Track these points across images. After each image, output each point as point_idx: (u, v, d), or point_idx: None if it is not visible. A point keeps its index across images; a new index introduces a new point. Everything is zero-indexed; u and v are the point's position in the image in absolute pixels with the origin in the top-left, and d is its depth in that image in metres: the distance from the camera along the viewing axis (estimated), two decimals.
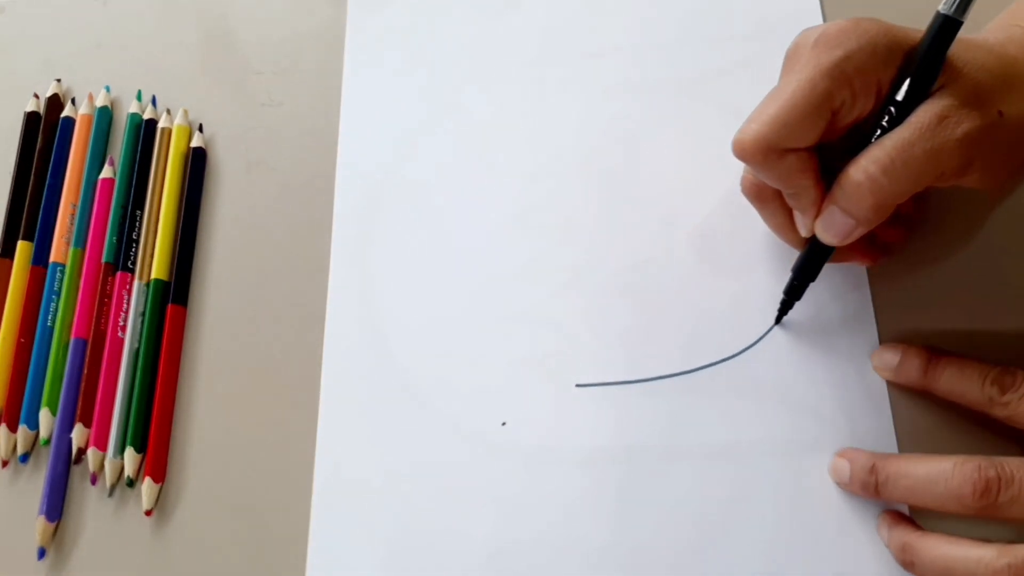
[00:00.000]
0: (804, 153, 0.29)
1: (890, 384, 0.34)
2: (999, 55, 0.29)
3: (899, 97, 0.28)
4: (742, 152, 0.29)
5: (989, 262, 0.35)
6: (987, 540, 0.28)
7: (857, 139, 0.29)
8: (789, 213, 0.33)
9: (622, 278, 0.37)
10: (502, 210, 0.39)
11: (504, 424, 0.36)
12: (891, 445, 0.33)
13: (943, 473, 0.29)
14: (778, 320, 0.35)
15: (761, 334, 0.35)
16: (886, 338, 0.34)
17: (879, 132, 0.29)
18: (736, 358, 0.35)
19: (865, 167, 0.28)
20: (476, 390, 0.36)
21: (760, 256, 0.37)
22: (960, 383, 0.31)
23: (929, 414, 0.33)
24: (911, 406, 0.33)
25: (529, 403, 0.36)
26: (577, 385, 0.36)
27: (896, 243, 0.35)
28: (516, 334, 0.37)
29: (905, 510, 0.32)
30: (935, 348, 0.33)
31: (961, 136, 0.27)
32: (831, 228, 0.30)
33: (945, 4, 0.28)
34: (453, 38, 0.43)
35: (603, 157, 0.39)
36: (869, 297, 0.35)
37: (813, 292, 0.35)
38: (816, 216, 0.30)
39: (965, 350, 0.32)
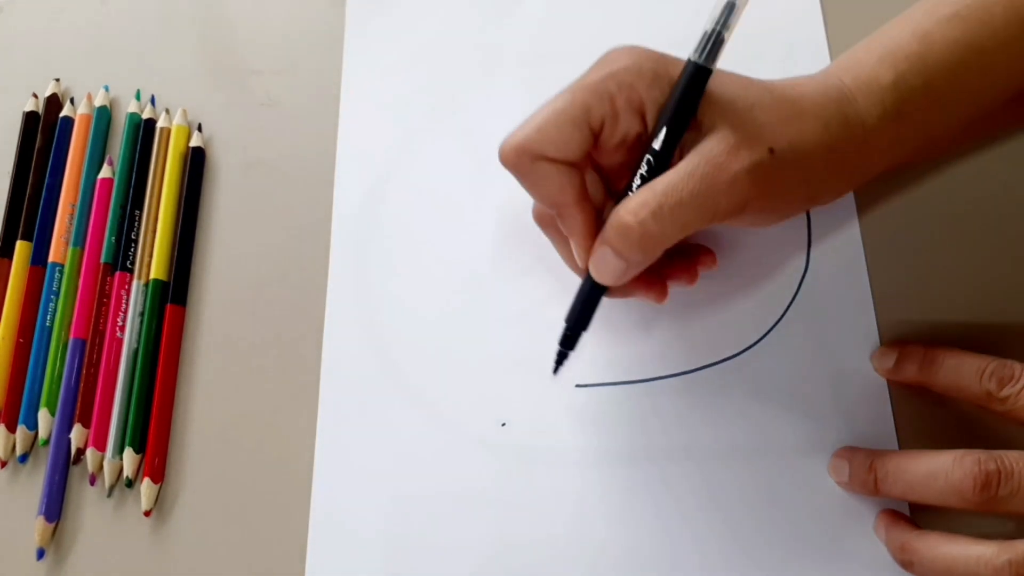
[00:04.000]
0: (563, 167, 0.29)
1: (890, 383, 0.34)
2: (780, 93, 0.29)
3: (656, 146, 0.29)
4: (502, 156, 0.30)
5: (989, 261, 0.35)
6: (986, 537, 0.28)
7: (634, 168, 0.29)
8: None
9: None
10: (502, 209, 0.39)
11: (504, 425, 0.36)
12: (892, 445, 0.33)
13: (943, 467, 0.29)
14: (555, 370, 0.33)
15: (761, 334, 0.35)
16: (886, 337, 0.34)
17: (641, 174, 0.29)
18: (736, 358, 0.35)
19: (635, 210, 0.28)
20: (476, 391, 0.36)
21: (760, 255, 0.37)
22: (958, 377, 0.31)
23: (930, 414, 0.33)
24: (912, 405, 0.33)
25: (529, 404, 0.36)
26: (577, 385, 0.36)
27: (686, 284, 0.33)
28: (516, 334, 0.37)
29: (904, 509, 0.32)
30: (932, 344, 0.33)
31: (729, 179, 0.27)
32: (603, 267, 0.30)
33: (695, 53, 0.28)
34: (452, 38, 0.43)
35: None
36: (869, 296, 0.35)
37: (813, 292, 0.35)
38: (587, 250, 0.30)
39: (968, 348, 0.32)
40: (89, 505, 0.37)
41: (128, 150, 0.43)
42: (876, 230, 0.36)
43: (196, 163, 0.42)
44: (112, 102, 0.45)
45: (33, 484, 0.38)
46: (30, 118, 0.44)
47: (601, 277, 0.30)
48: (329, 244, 0.40)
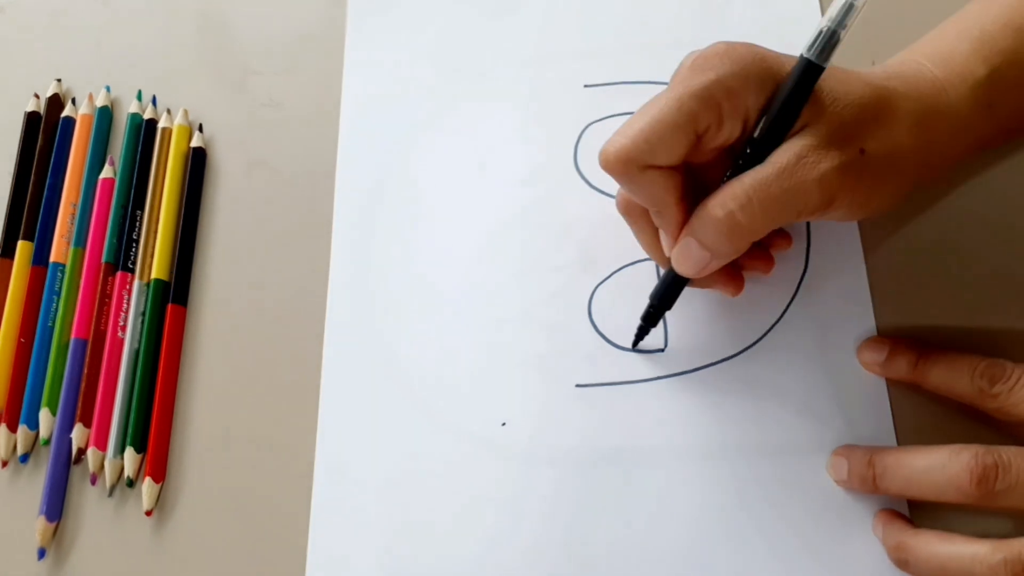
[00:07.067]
0: (667, 171, 0.29)
1: (889, 382, 0.34)
2: (876, 88, 0.30)
3: (756, 135, 0.29)
4: (605, 164, 0.29)
5: (989, 262, 0.35)
6: (983, 537, 0.28)
7: (726, 166, 0.29)
8: (657, 233, 0.33)
9: (621, 278, 0.37)
10: (502, 209, 0.39)
11: (504, 424, 0.36)
12: (891, 444, 0.33)
13: (940, 461, 0.29)
14: (634, 346, 0.35)
15: (761, 334, 0.35)
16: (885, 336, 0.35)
17: (737, 167, 0.29)
18: (736, 358, 0.35)
19: (723, 202, 0.28)
20: (476, 390, 0.36)
21: None
22: (950, 376, 0.31)
23: (929, 413, 0.33)
24: (911, 405, 0.34)
25: (529, 403, 0.36)
26: (577, 385, 0.36)
27: (761, 273, 0.34)
28: (516, 334, 0.37)
29: (904, 509, 0.32)
30: (924, 343, 0.33)
31: (818, 176, 0.28)
32: (687, 259, 0.30)
33: (808, 49, 0.28)
34: (452, 38, 0.43)
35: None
36: (868, 296, 0.35)
37: (813, 292, 0.35)
38: (676, 241, 0.31)
39: (964, 348, 0.32)
40: (90, 505, 0.37)
41: (129, 150, 0.43)
42: (876, 230, 0.36)
43: (197, 163, 0.43)
44: (113, 102, 0.45)
45: (34, 484, 0.38)
46: (31, 118, 0.44)
47: (682, 268, 0.31)
48: (329, 244, 0.40)
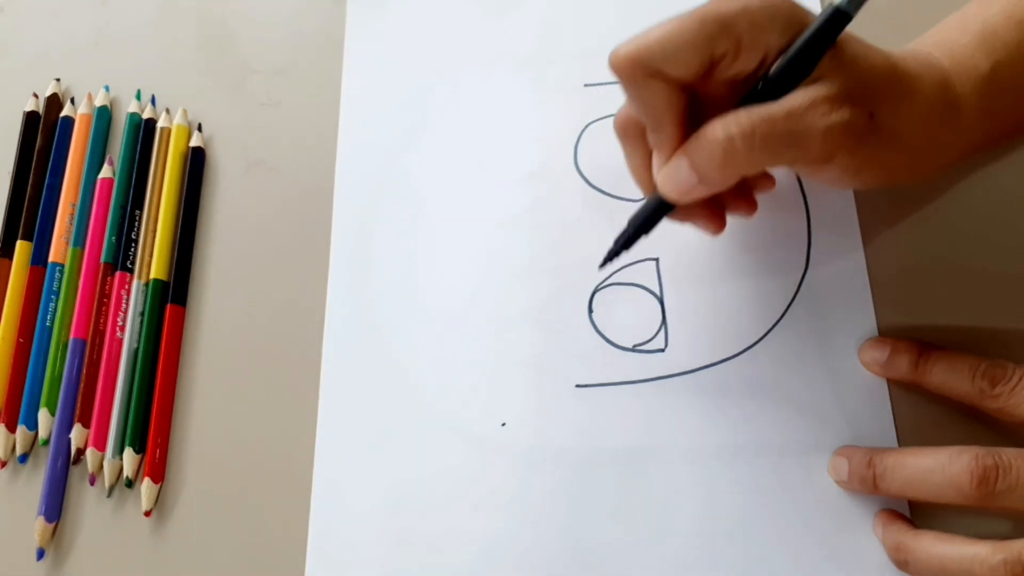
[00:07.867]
0: (672, 86, 0.29)
1: (890, 383, 0.34)
2: (894, 63, 0.30)
3: (771, 75, 0.28)
4: (615, 62, 0.29)
5: (990, 261, 0.35)
6: (982, 538, 0.28)
7: (733, 102, 0.29)
8: (648, 156, 0.32)
9: (621, 278, 0.37)
10: (502, 209, 0.39)
11: (504, 425, 0.36)
12: (892, 445, 0.33)
13: (940, 462, 0.29)
14: (603, 264, 0.34)
15: (761, 334, 0.35)
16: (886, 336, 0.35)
17: (745, 101, 0.29)
18: (736, 358, 0.35)
19: (726, 126, 0.28)
20: (476, 391, 0.36)
21: (761, 256, 0.37)
22: (951, 376, 0.31)
23: (930, 414, 0.33)
24: (911, 405, 0.34)
25: (529, 404, 0.36)
26: (577, 385, 0.36)
27: (745, 215, 0.34)
28: (516, 334, 0.37)
29: (904, 509, 0.32)
30: (925, 342, 0.33)
31: (826, 127, 0.27)
32: (673, 179, 0.30)
33: None
34: (452, 38, 0.43)
35: (602, 156, 0.39)
36: (869, 296, 0.35)
37: (813, 292, 0.35)
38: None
39: (965, 348, 0.32)
40: (89, 505, 0.37)
41: (128, 150, 0.43)
42: (876, 230, 0.36)
43: (196, 163, 0.43)
44: (112, 102, 0.45)
45: (33, 484, 0.38)
46: (30, 118, 0.44)
47: (667, 189, 0.30)
48: (328, 244, 0.40)
